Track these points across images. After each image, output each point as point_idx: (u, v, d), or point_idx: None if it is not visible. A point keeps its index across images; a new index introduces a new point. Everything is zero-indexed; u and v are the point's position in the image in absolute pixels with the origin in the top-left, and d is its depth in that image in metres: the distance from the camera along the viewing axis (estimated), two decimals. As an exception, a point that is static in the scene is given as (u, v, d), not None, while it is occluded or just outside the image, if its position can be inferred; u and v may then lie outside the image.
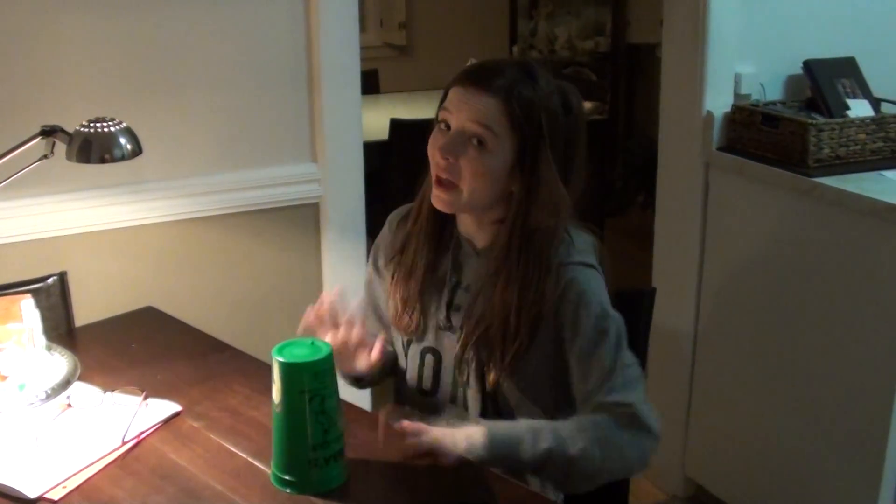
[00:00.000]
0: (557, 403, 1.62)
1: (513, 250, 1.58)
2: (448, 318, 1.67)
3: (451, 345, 1.67)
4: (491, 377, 1.60)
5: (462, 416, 1.63)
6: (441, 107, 1.60)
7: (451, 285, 1.68)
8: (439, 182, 1.59)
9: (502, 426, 1.53)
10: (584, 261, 1.60)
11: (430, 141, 1.60)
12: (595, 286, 1.59)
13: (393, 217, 1.80)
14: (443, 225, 1.69)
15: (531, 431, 1.51)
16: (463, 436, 1.47)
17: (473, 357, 1.62)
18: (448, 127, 1.58)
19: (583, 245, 1.63)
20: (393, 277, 1.74)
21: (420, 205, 1.70)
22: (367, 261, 1.86)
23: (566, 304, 1.57)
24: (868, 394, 2.31)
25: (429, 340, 1.70)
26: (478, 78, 1.56)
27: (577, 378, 1.59)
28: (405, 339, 1.73)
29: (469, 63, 1.67)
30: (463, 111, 1.56)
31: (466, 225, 1.67)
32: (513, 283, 1.57)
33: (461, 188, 1.57)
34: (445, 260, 1.70)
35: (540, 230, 1.58)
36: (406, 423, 1.44)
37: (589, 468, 1.52)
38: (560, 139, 1.57)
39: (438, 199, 1.60)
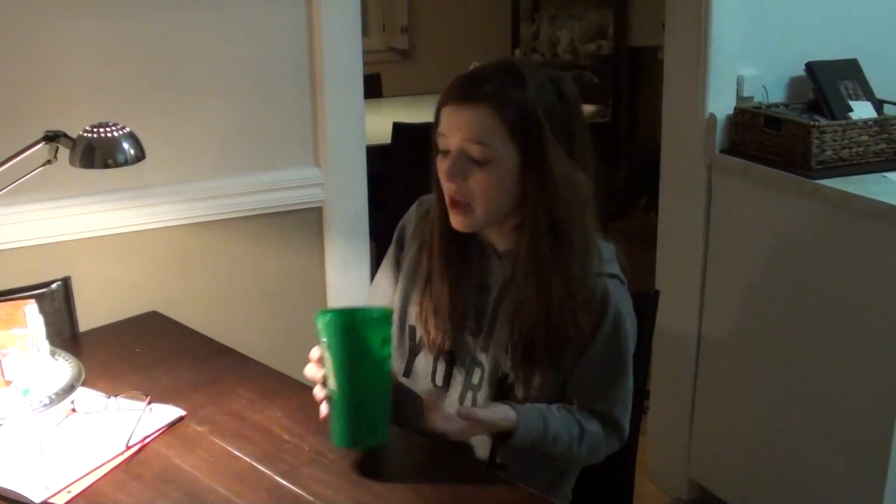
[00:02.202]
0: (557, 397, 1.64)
1: (542, 251, 1.56)
2: (474, 321, 1.66)
3: (467, 346, 1.66)
4: (536, 379, 1.60)
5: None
6: (437, 131, 1.58)
7: (474, 289, 1.67)
8: (454, 204, 1.58)
9: (532, 414, 1.56)
10: (613, 272, 1.62)
11: (438, 166, 1.60)
12: (628, 304, 1.63)
13: (424, 202, 1.77)
14: (460, 236, 1.68)
15: (547, 422, 1.57)
16: (502, 416, 1.53)
17: (517, 360, 1.61)
18: (445, 153, 1.57)
19: (608, 255, 1.64)
20: (411, 280, 1.73)
21: (432, 224, 1.69)
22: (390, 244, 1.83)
23: (603, 318, 1.58)
24: (872, 396, 2.31)
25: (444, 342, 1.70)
26: (464, 93, 1.55)
27: (584, 378, 1.61)
28: (423, 344, 1.72)
29: (471, 66, 1.66)
30: (457, 132, 1.54)
31: (488, 231, 1.66)
32: (552, 281, 1.56)
33: (475, 208, 1.57)
34: (467, 265, 1.68)
35: (568, 224, 1.56)
36: (459, 410, 1.53)
37: (566, 462, 1.63)
38: (562, 130, 1.56)
39: (457, 221, 1.60)
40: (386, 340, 1.47)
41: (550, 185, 1.54)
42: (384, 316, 1.51)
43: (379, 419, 1.50)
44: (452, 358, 1.68)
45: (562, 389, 1.63)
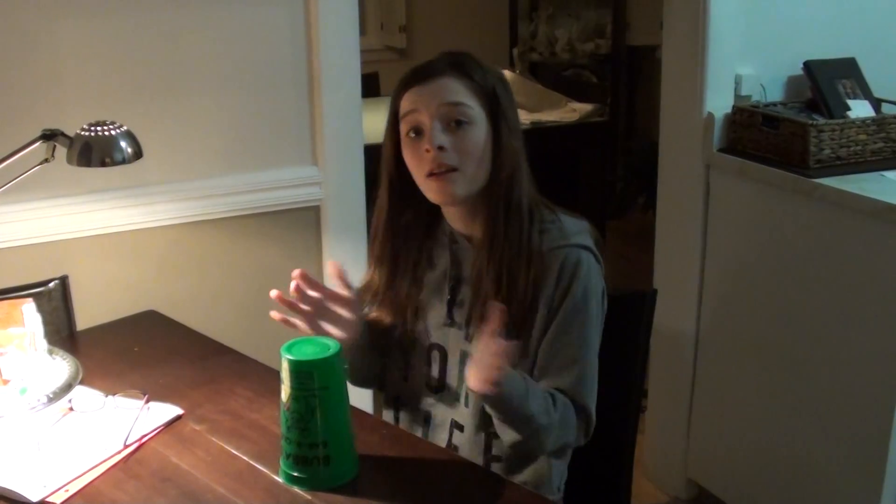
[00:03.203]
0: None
1: (497, 237, 1.59)
2: (450, 315, 1.68)
3: (455, 340, 1.67)
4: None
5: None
6: (400, 118, 1.62)
7: (451, 282, 1.68)
8: (439, 175, 1.58)
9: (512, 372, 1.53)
10: (578, 242, 1.61)
11: (407, 152, 1.61)
12: (590, 268, 1.60)
13: None
14: (428, 224, 1.70)
15: (525, 380, 1.54)
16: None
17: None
18: (417, 132, 1.59)
19: (575, 228, 1.64)
20: (390, 279, 1.74)
21: (377, 219, 1.72)
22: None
23: (560, 282, 1.58)
24: (870, 394, 2.31)
25: (434, 337, 1.70)
26: (425, 72, 1.61)
27: (547, 355, 1.60)
28: (409, 337, 1.73)
29: None
30: (430, 101, 1.58)
31: (459, 221, 1.67)
32: (501, 273, 1.58)
33: (463, 171, 1.58)
34: (442, 257, 1.70)
35: (516, 209, 1.59)
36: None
37: (538, 439, 1.56)
38: (510, 107, 1.62)
39: (442, 191, 1.59)
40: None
41: (513, 150, 1.60)
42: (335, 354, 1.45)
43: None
44: (445, 354, 1.69)
45: (531, 372, 1.61)
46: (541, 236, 1.60)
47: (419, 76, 1.60)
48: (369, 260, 1.77)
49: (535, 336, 1.60)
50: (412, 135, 1.60)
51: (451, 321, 1.68)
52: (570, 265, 1.58)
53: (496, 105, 1.60)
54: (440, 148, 1.56)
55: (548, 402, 1.55)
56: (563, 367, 1.59)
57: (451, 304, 1.68)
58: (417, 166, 1.61)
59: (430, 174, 1.59)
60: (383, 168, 1.68)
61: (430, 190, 1.61)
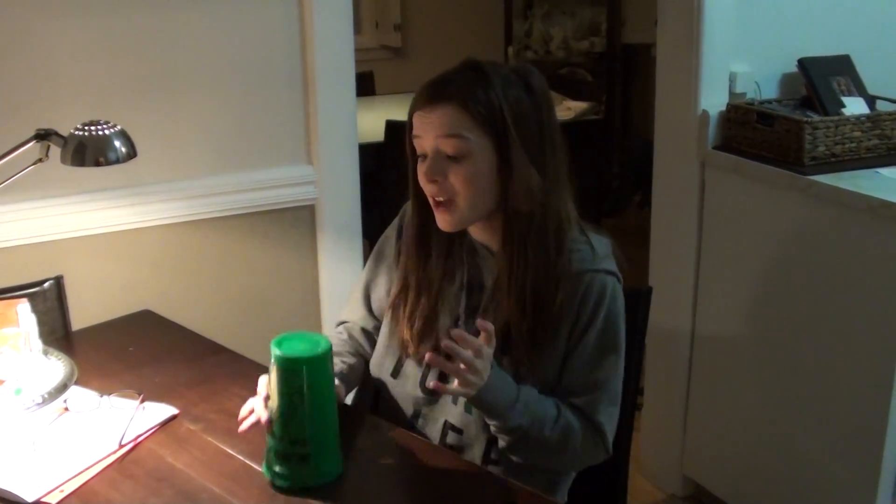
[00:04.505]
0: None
1: (518, 248, 1.58)
2: (458, 321, 1.67)
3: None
4: (522, 372, 1.60)
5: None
6: (411, 137, 1.61)
7: (467, 289, 1.68)
8: (437, 205, 1.60)
9: (507, 379, 1.55)
10: (607, 268, 1.62)
11: (418, 172, 1.61)
12: (621, 304, 1.62)
13: (405, 211, 1.78)
14: (440, 239, 1.69)
15: (520, 391, 1.55)
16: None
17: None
18: (422, 156, 1.59)
19: (603, 250, 1.64)
20: (404, 288, 1.72)
21: (408, 230, 1.71)
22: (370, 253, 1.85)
23: (586, 307, 1.59)
24: (865, 390, 2.31)
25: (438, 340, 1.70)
26: (431, 95, 1.57)
27: (571, 376, 1.62)
28: (413, 344, 1.71)
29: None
30: (429, 131, 1.56)
31: (479, 232, 1.67)
32: (524, 295, 1.58)
33: (458, 203, 1.58)
34: (460, 266, 1.69)
35: (537, 232, 1.58)
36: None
37: (537, 453, 1.59)
38: (532, 122, 1.58)
39: (443, 221, 1.61)
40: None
41: (525, 177, 1.56)
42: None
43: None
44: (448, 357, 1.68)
45: (552, 391, 1.62)
46: (570, 257, 1.60)
47: (427, 99, 1.58)
48: (399, 273, 1.74)
49: (555, 356, 1.61)
50: (419, 157, 1.60)
51: (457, 327, 1.67)
52: (597, 291, 1.60)
53: (503, 132, 1.55)
54: (434, 181, 1.57)
55: (547, 416, 1.57)
56: (587, 389, 1.61)
57: (464, 311, 1.67)
58: (423, 187, 1.62)
59: (433, 199, 1.60)
60: (410, 180, 1.67)
61: (435, 215, 1.62)
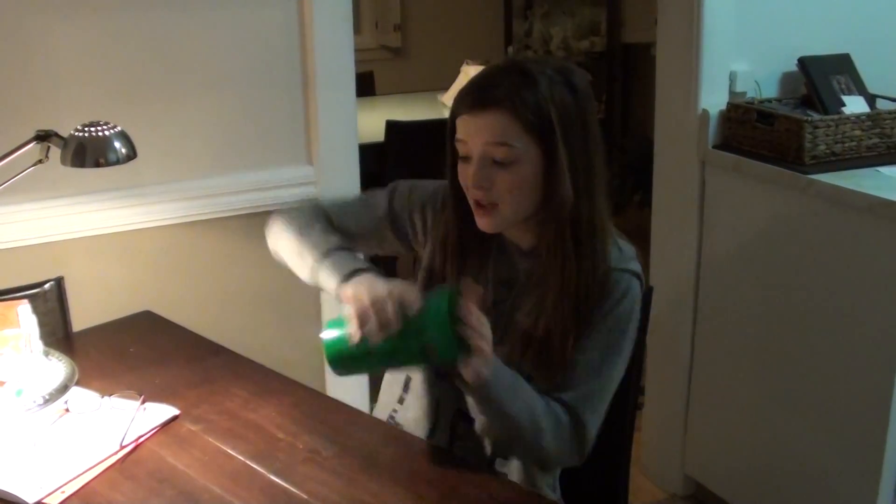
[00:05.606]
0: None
1: (565, 246, 1.56)
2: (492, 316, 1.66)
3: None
4: (553, 370, 1.58)
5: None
6: (455, 139, 1.58)
7: (491, 287, 1.66)
8: (480, 206, 1.58)
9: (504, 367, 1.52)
10: (634, 270, 1.62)
11: (459, 173, 1.59)
12: (635, 298, 1.61)
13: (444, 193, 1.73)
14: (476, 238, 1.67)
15: (517, 378, 1.52)
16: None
17: (534, 355, 1.59)
18: (466, 158, 1.57)
19: (629, 253, 1.64)
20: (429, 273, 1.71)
21: (447, 228, 1.68)
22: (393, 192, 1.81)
23: (605, 302, 1.58)
24: (866, 389, 2.31)
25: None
26: (477, 99, 1.54)
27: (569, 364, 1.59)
28: None
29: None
30: (476, 137, 1.54)
31: (511, 230, 1.65)
32: (573, 276, 1.56)
33: (502, 209, 1.56)
34: (483, 266, 1.68)
35: (589, 218, 1.57)
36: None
37: (521, 442, 1.54)
38: (577, 124, 1.56)
39: (485, 223, 1.59)
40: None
41: (570, 180, 1.54)
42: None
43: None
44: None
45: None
46: (601, 255, 1.59)
47: (474, 101, 1.55)
48: (425, 261, 1.72)
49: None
50: (462, 159, 1.58)
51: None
52: (621, 289, 1.59)
53: (550, 137, 1.53)
54: (480, 186, 1.55)
55: (538, 403, 1.53)
56: (579, 381, 1.57)
57: (491, 307, 1.63)
58: (466, 190, 1.60)
59: (475, 201, 1.58)
60: (449, 179, 1.64)
61: (475, 215, 1.60)
